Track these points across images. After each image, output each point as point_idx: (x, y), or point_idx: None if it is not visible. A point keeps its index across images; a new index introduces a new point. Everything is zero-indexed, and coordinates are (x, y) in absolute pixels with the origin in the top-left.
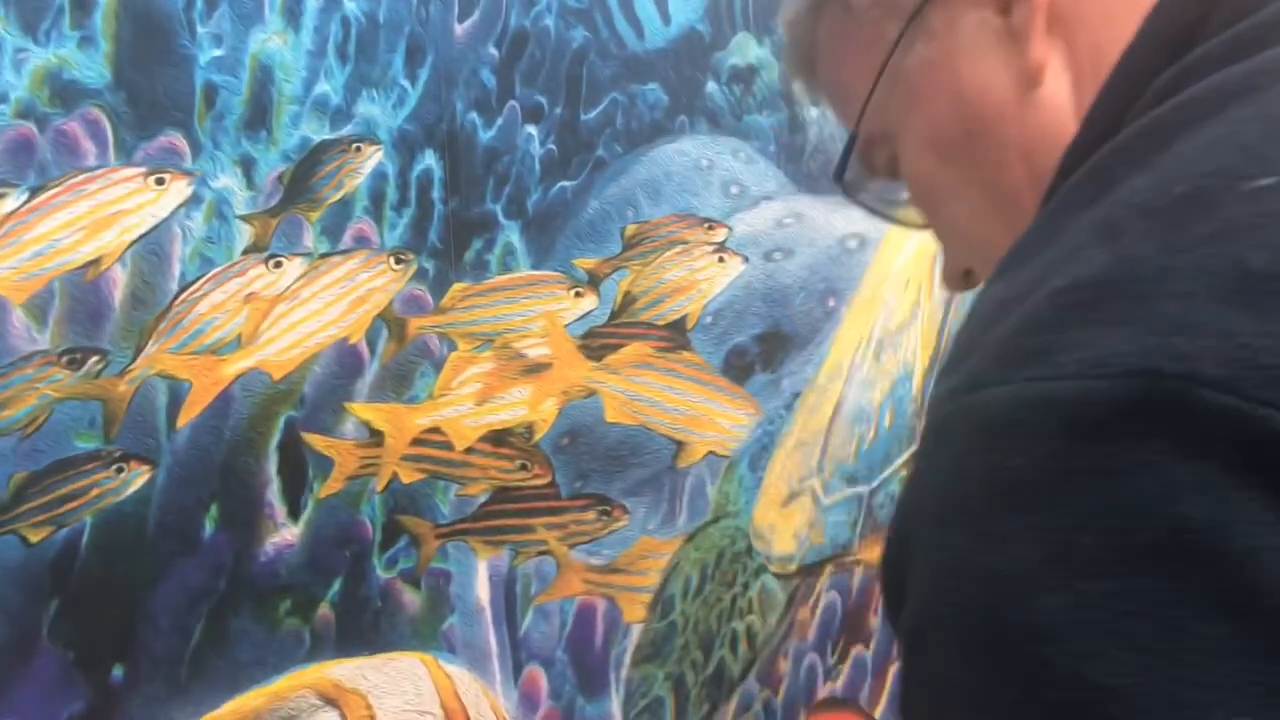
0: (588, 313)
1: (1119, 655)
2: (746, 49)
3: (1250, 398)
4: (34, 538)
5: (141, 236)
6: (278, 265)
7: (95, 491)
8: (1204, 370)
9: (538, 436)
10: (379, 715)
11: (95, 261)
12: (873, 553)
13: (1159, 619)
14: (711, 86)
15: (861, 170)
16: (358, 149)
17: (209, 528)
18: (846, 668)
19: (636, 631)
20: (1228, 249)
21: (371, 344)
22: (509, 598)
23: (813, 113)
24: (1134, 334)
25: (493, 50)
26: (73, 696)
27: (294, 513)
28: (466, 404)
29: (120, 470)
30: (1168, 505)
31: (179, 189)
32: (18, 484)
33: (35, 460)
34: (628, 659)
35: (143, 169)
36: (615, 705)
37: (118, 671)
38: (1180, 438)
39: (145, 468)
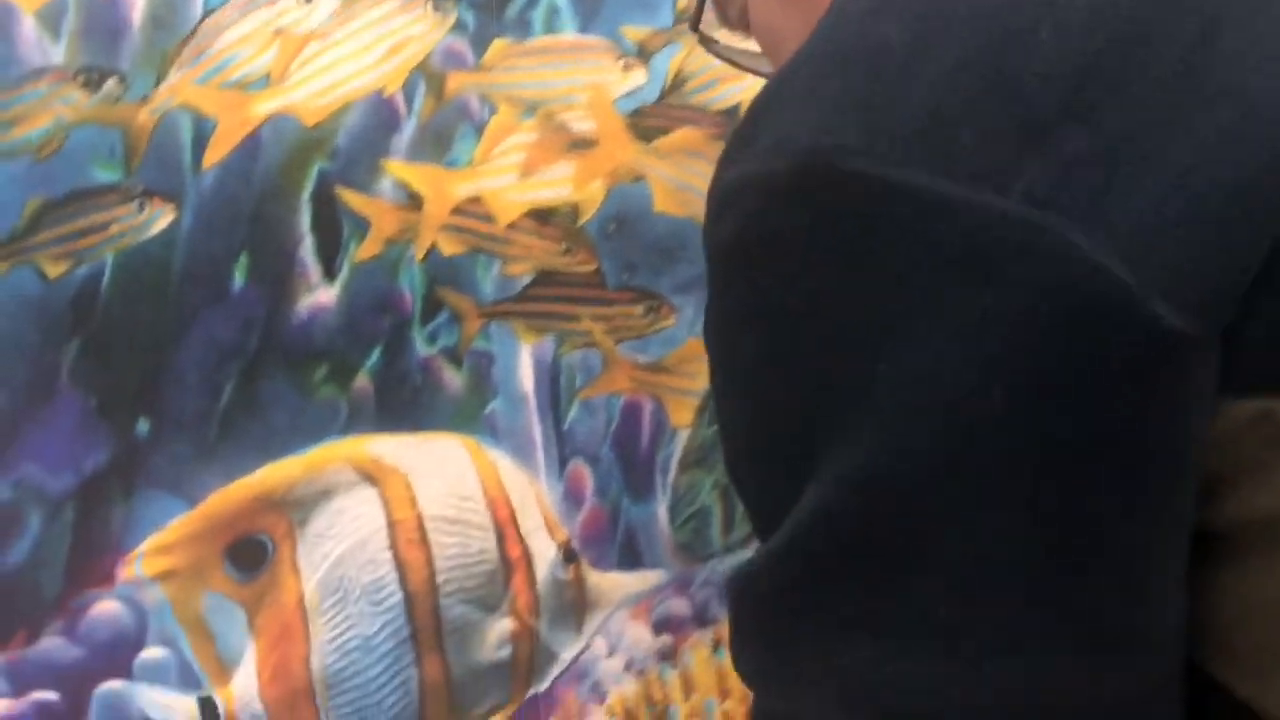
0: (636, 88)
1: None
2: None
3: (886, 160)
4: (52, 272)
5: None
6: (308, 0)
7: (116, 228)
8: (847, 141)
9: (583, 219)
10: (419, 497)
11: None
12: None
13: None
14: None
15: (718, 21)
16: None
17: (238, 279)
18: None
19: (684, 436)
20: (876, 26)
21: (409, 99)
22: (553, 388)
23: None
24: (804, 114)
25: None
26: (95, 446)
27: (329, 274)
28: (509, 175)
29: (142, 207)
30: (804, 278)
31: None
32: (34, 210)
33: (51, 187)
34: (674, 464)
35: None
36: (661, 510)
37: (143, 425)
38: (826, 206)
39: (169, 207)
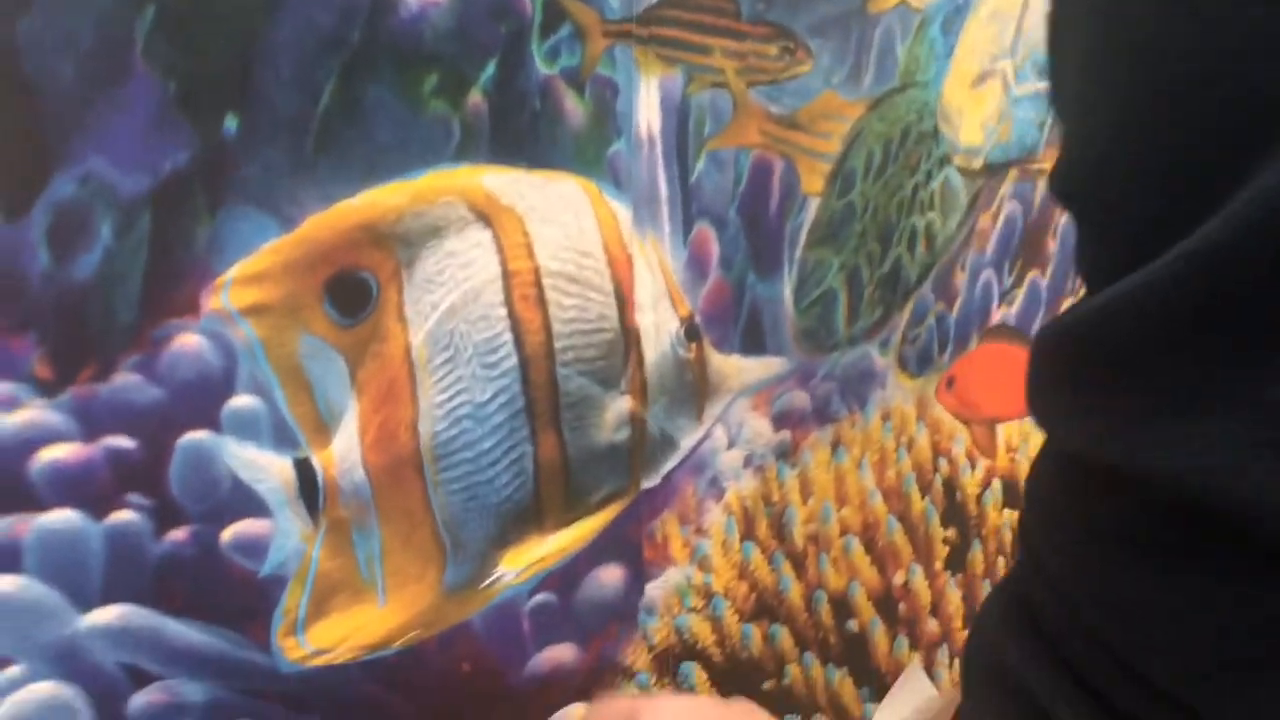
0: None
1: None
2: None
3: None
4: None
5: None
6: None
7: None
8: None
9: None
10: (536, 247)
11: None
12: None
13: None
14: None
15: None
16: None
17: None
18: (1022, 293)
19: (813, 206)
20: None
21: None
22: (680, 133)
23: None
24: None
25: None
26: (175, 143)
27: None
28: None
29: None
30: None
31: None
32: None
33: None
34: (803, 237)
35: None
36: (787, 290)
37: (231, 122)
38: None
39: None
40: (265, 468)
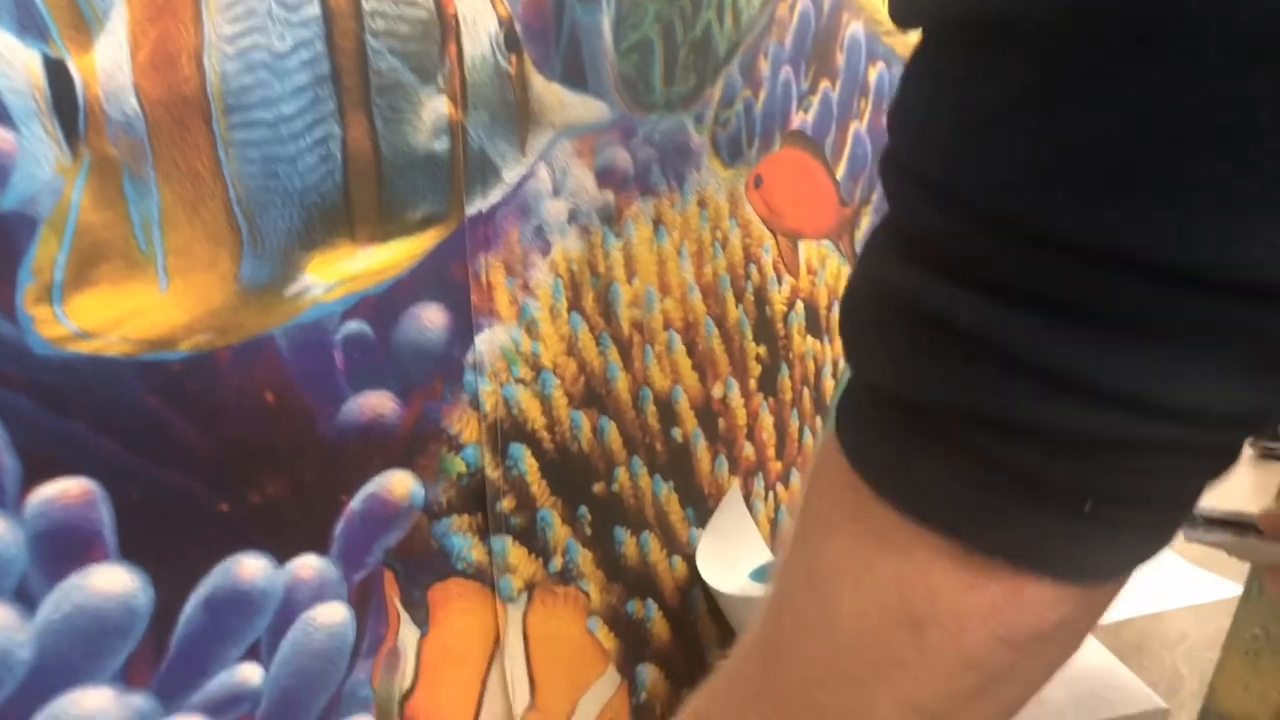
0: None
1: None
2: None
3: None
4: None
5: None
6: None
7: None
8: None
9: None
10: None
11: None
12: None
13: None
14: None
15: None
16: None
17: None
18: (816, 101)
19: None
20: None
21: None
22: None
23: None
24: None
25: None
26: None
27: None
28: None
29: None
30: None
31: None
32: None
33: None
34: None
35: None
36: (606, 22)
37: None
38: None
39: None
40: (4, 57)
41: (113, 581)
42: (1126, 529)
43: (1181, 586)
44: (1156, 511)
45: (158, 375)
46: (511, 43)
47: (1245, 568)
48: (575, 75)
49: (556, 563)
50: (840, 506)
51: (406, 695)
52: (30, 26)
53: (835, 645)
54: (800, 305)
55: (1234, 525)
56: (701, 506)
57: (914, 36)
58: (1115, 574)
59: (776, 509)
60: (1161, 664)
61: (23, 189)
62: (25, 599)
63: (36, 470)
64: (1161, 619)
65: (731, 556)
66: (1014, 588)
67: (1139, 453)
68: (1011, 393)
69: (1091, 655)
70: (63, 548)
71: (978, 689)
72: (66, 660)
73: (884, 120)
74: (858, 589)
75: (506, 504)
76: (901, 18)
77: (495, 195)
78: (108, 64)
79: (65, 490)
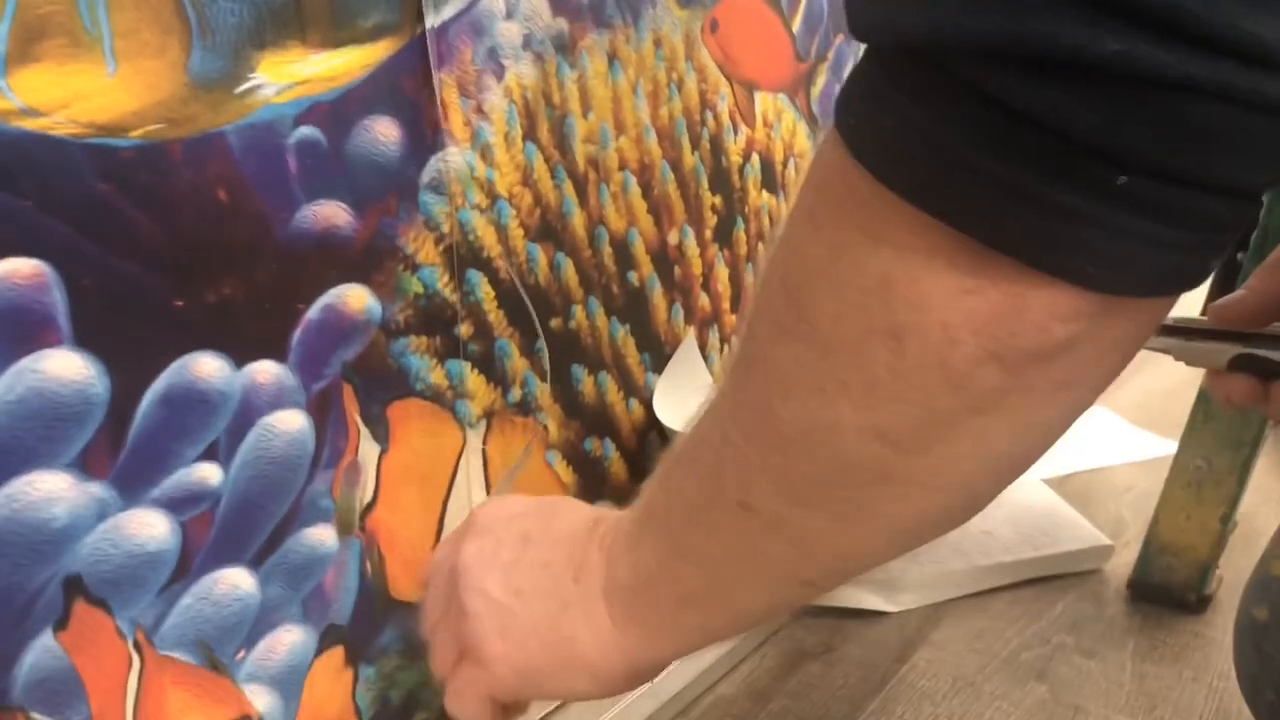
0: None
1: None
2: None
3: None
4: None
5: None
6: None
7: None
8: None
9: None
10: None
11: None
12: None
13: None
14: None
15: None
16: None
17: None
18: None
19: None
20: None
21: None
22: None
23: None
24: None
25: None
26: None
27: None
28: None
29: None
30: None
31: None
32: None
33: None
34: None
35: None
36: None
37: None
38: None
39: None
40: None
41: (67, 366)
42: (1156, 221)
43: (1125, 444)
44: (1195, 205)
45: (108, 160)
46: None
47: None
48: None
49: (515, 394)
50: (829, 200)
51: (368, 509)
52: None
53: (806, 354)
54: (756, 158)
55: (1180, 331)
56: (658, 353)
57: None
58: (1131, 285)
59: None
60: (1107, 512)
61: None
62: None
63: None
64: (1107, 472)
65: (688, 402)
66: (1017, 291)
67: (1219, 106)
68: (1080, 21)
69: (1040, 496)
70: (14, 329)
71: (954, 416)
72: (22, 443)
73: None
74: (838, 292)
75: (464, 330)
76: None
77: (447, 12)
78: None
79: (15, 269)
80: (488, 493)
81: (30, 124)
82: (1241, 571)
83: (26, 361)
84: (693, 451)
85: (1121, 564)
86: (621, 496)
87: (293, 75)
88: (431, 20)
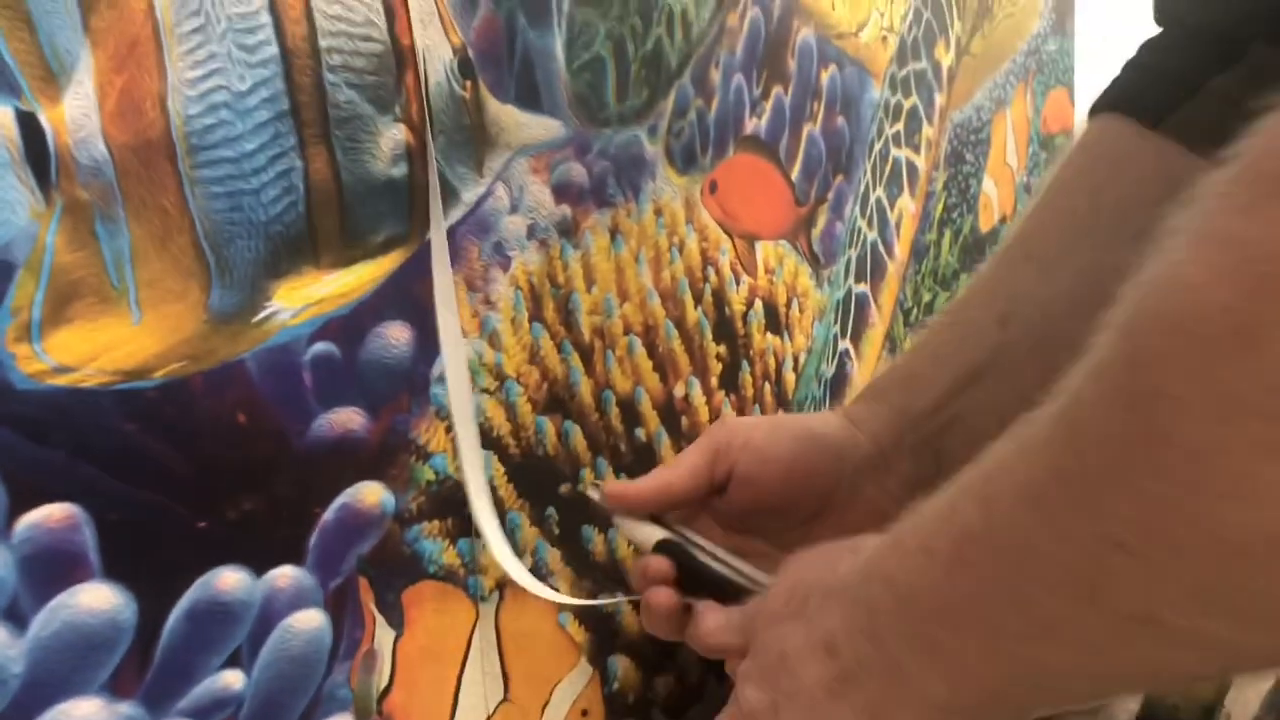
0: None
1: None
2: None
3: None
4: None
5: None
6: None
7: None
8: None
9: None
10: None
11: None
12: None
13: None
14: None
15: None
16: None
17: None
18: (769, 106)
19: None
20: None
21: None
22: None
23: None
24: None
25: None
26: None
27: None
28: None
29: None
30: None
31: None
32: None
33: None
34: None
35: None
36: (559, 44)
37: None
38: None
39: None
40: None
41: (97, 599)
42: None
43: None
44: None
45: (134, 403)
46: (465, 69)
47: None
48: (529, 96)
49: (526, 562)
50: None
51: (384, 694)
52: (1, 84)
53: None
54: (759, 304)
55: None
56: None
57: (865, 37)
58: None
59: None
60: None
61: (0, 236)
62: (16, 618)
63: (22, 498)
64: None
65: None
66: None
67: None
68: None
69: None
70: (49, 569)
71: None
72: (57, 674)
73: (837, 121)
74: None
75: None
76: None
77: (454, 215)
78: (76, 114)
79: (49, 515)
80: (501, 662)
81: (63, 380)
82: None
83: (60, 598)
84: (1031, 566)
85: None
86: (634, 648)
87: (307, 298)
88: (440, 231)
